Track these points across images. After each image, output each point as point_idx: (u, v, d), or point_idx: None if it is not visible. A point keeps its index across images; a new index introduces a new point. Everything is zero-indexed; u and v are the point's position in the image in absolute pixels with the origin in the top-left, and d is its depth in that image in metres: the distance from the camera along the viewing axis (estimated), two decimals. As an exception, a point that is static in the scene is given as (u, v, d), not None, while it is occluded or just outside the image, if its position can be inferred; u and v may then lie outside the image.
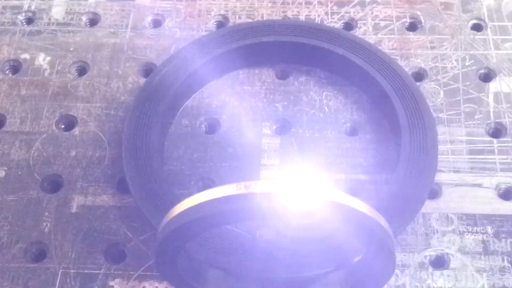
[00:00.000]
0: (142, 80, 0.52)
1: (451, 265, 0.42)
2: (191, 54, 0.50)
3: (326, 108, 0.50)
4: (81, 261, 0.43)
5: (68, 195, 0.46)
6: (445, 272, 0.42)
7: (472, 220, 0.44)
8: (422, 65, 0.52)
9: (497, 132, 0.49)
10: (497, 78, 0.51)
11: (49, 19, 0.56)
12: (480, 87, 0.51)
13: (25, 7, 0.57)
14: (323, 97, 0.51)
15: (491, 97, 0.50)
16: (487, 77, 0.52)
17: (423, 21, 0.55)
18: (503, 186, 0.46)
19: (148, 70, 0.52)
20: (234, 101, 0.51)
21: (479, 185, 0.46)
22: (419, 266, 0.43)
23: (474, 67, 0.52)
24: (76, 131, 0.49)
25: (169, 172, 0.47)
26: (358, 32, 0.54)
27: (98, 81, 0.52)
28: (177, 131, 0.49)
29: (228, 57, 0.51)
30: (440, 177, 0.46)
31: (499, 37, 0.53)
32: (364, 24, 0.55)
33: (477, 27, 0.55)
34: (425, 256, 0.43)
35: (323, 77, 0.52)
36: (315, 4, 0.56)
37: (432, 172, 0.45)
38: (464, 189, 0.46)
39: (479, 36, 0.54)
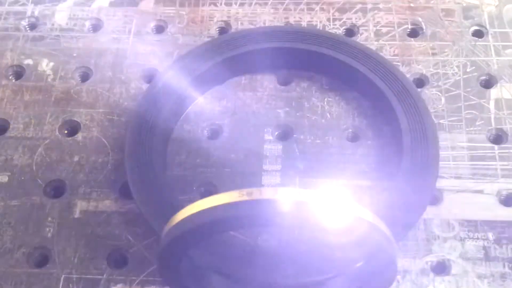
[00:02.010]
0: (145, 86, 0.52)
1: (452, 271, 0.43)
2: (194, 60, 0.50)
3: (328, 114, 0.50)
4: (84, 266, 0.43)
5: (71, 200, 0.46)
6: (446, 278, 0.42)
7: (473, 226, 0.44)
8: (424, 71, 0.52)
9: (498, 138, 0.49)
10: (498, 84, 0.51)
11: (53, 24, 0.56)
12: (481, 94, 0.51)
13: (29, 12, 0.57)
14: (325, 103, 0.51)
15: (492, 103, 0.50)
16: (488, 84, 0.52)
17: (424, 27, 0.55)
18: (504, 193, 0.46)
19: (150, 76, 0.53)
20: (236, 107, 0.51)
21: (480, 191, 0.46)
22: (421, 272, 0.43)
23: (475, 74, 0.52)
24: (79, 136, 0.49)
25: (172, 177, 0.47)
26: (359, 38, 0.54)
27: (101, 87, 0.52)
28: (179, 137, 0.49)
29: (230, 63, 0.51)
30: (441, 183, 0.46)
31: (500, 44, 0.54)
32: (366, 30, 0.55)
33: (478, 34, 0.55)
34: (427, 262, 0.43)
35: (324, 83, 0.52)
36: (317, 11, 0.56)
37: (433, 178, 0.45)
38: (465, 195, 0.46)
39: (480, 42, 0.54)
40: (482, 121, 0.49)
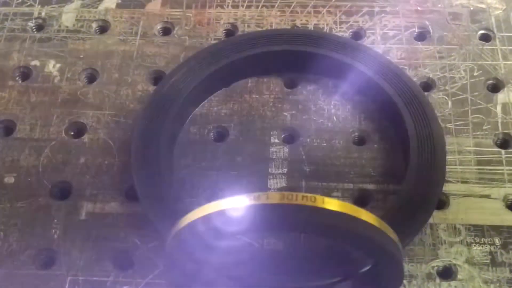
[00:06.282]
0: (151, 88, 0.52)
1: (459, 276, 0.42)
2: (200, 63, 0.50)
3: (334, 117, 0.50)
4: (90, 268, 0.43)
5: (77, 202, 0.46)
6: (453, 283, 0.42)
7: (479, 231, 0.44)
8: (431, 75, 0.52)
9: (505, 143, 0.49)
10: (505, 88, 0.51)
11: (59, 26, 0.56)
12: (488, 98, 0.51)
13: (36, 14, 0.57)
14: (331, 106, 0.51)
15: (499, 107, 0.50)
16: (495, 88, 0.52)
17: (431, 31, 0.55)
18: (511, 197, 0.46)
19: (157, 78, 0.53)
20: (242, 109, 0.51)
21: (487, 196, 0.46)
22: (427, 277, 0.43)
23: (482, 78, 0.52)
24: (86, 138, 0.49)
25: (178, 180, 0.47)
26: (366, 42, 0.54)
27: (108, 89, 0.52)
28: (185, 139, 0.49)
29: (236, 65, 0.51)
30: (448, 188, 0.46)
31: (508, 48, 0.54)
32: (373, 33, 0.55)
33: (485, 38, 0.55)
34: (433, 267, 0.43)
35: (331, 86, 0.52)
36: (324, 13, 0.56)
37: (440, 183, 0.45)
38: (472, 200, 0.46)
39: (487, 46, 0.54)
40: (489, 126, 0.49)
